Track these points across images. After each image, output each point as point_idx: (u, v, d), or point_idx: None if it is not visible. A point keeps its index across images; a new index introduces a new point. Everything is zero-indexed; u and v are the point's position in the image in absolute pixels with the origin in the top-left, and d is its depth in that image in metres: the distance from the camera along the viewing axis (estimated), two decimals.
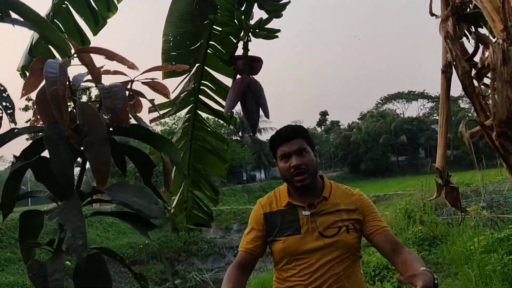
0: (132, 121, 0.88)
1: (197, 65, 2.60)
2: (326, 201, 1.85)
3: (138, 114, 1.04)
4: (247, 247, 1.94)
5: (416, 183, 16.26)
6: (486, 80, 0.94)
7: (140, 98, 1.10)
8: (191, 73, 2.62)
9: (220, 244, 20.16)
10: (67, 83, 0.84)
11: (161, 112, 2.70)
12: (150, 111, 2.77)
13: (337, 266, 1.77)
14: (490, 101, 0.91)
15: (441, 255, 7.80)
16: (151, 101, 1.01)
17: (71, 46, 1.06)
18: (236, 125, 2.72)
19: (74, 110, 0.88)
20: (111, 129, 0.77)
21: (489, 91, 0.90)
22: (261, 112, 2.31)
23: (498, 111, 0.83)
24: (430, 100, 65.03)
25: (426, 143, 55.52)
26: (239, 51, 2.38)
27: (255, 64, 2.34)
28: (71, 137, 0.82)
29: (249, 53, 2.35)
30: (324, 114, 72.44)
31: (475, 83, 0.98)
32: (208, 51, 2.62)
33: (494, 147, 0.78)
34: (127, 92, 0.90)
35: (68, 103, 0.86)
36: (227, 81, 2.75)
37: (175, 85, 2.73)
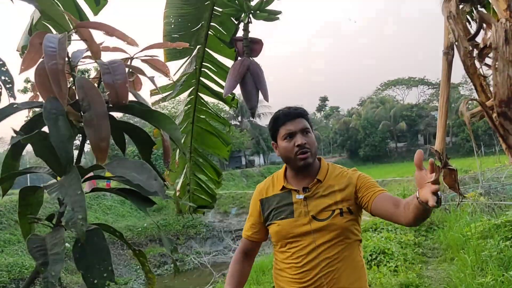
0: (132, 98, 0.87)
1: (198, 46, 2.58)
2: (320, 183, 1.84)
3: (138, 92, 1.03)
4: (247, 234, 2.01)
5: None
6: (488, 61, 0.93)
7: (140, 76, 1.10)
8: (193, 55, 2.60)
9: (218, 228, 20.29)
10: (66, 58, 0.83)
11: (163, 95, 2.70)
12: (151, 94, 2.77)
13: (331, 249, 1.76)
14: (492, 82, 0.90)
15: (437, 240, 7.87)
16: (151, 78, 1.00)
17: (70, 21, 1.05)
18: (237, 107, 2.72)
19: (73, 87, 0.88)
20: (110, 105, 0.77)
21: (491, 71, 0.89)
22: (260, 96, 2.29)
23: (499, 90, 0.82)
24: (430, 86, 64.91)
25: (425, 129, 55.58)
26: (240, 33, 2.36)
27: (255, 46, 2.31)
28: (70, 113, 0.81)
29: (257, 35, 2.32)
30: (324, 99, 72.29)
31: (477, 64, 0.97)
32: (209, 32, 2.59)
33: (494, 128, 0.78)
34: (126, 69, 0.89)
35: (68, 80, 0.85)
36: (229, 63, 2.74)
37: (177, 68, 2.72)
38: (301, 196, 1.82)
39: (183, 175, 3.01)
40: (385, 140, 54.85)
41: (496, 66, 0.85)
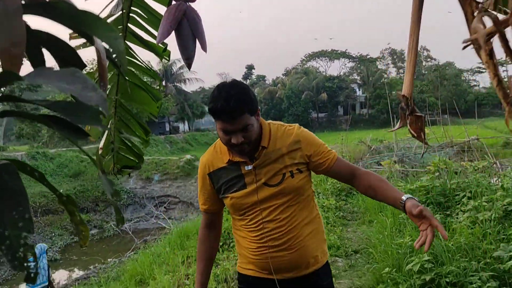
0: None
1: None
2: (266, 149, 1.79)
3: None
4: (204, 208, 2.00)
5: (335, 139, 17.00)
6: None
7: None
8: None
9: (140, 195, 19.72)
10: None
11: (84, 41, 2.37)
12: (71, 37, 2.42)
13: (287, 210, 1.80)
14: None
15: (356, 204, 8.25)
16: None
17: None
18: (169, 60, 2.49)
19: None
20: (23, 1, 0.55)
21: None
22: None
23: None
24: (351, 59, 67.26)
25: (344, 101, 58.00)
26: None
27: None
28: None
29: None
30: (250, 68, 72.22)
31: None
32: None
33: (506, 48, 0.68)
34: None
35: None
36: (162, 10, 2.47)
37: (99, 10, 2.40)
38: (250, 167, 1.79)
39: (106, 132, 2.73)
40: (307, 110, 56.45)
41: None
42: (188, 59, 2.13)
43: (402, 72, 72.07)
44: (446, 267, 3.50)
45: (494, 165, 10.39)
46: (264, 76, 71.71)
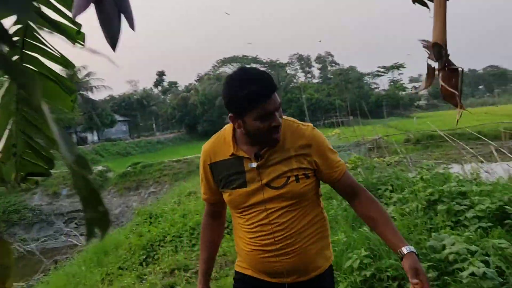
0: None
1: None
2: (274, 148, 1.65)
3: None
4: (205, 198, 1.91)
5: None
6: None
7: None
8: None
9: (47, 211, 18.13)
10: None
11: None
12: None
13: (286, 214, 1.67)
14: None
15: None
16: None
17: None
18: (84, 44, 2.10)
19: None
20: None
21: None
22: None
23: None
24: (262, 65, 68.67)
25: None
26: None
27: None
28: None
29: None
30: (161, 74, 70.59)
31: None
32: None
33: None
34: None
35: None
36: None
37: None
38: (254, 165, 1.66)
39: (6, 132, 2.25)
40: (222, 116, 56.41)
41: None
42: (112, 37, 1.78)
43: (310, 76, 75.38)
44: (385, 261, 3.47)
45: (404, 160, 11.02)
46: (176, 83, 70.56)
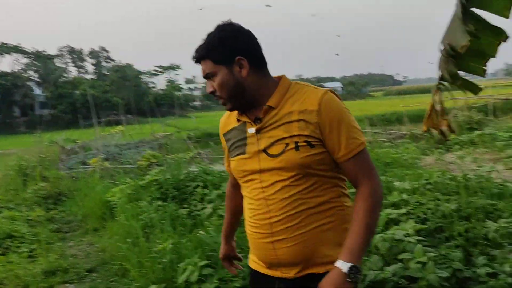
0: None
1: None
2: (273, 110, 1.49)
3: None
4: (227, 168, 1.80)
5: (12, 142, 14.58)
6: None
7: None
8: None
9: None
10: None
11: None
12: None
13: (287, 190, 1.45)
14: None
15: (70, 212, 6.95)
16: None
17: None
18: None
19: None
20: None
21: None
22: None
23: None
24: (25, 55, 60.40)
25: (21, 100, 52.08)
26: None
27: None
28: None
29: None
30: None
31: None
32: None
33: None
34: None
35: None
36: None
37: None
38: (253, 130, 1.52)
39: None
40: None
41: None
42: None
43: (84, 71, 70.27)
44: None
45: (198, 155, 11.03)
46: None
